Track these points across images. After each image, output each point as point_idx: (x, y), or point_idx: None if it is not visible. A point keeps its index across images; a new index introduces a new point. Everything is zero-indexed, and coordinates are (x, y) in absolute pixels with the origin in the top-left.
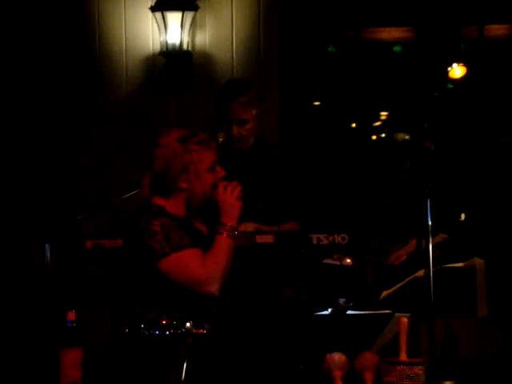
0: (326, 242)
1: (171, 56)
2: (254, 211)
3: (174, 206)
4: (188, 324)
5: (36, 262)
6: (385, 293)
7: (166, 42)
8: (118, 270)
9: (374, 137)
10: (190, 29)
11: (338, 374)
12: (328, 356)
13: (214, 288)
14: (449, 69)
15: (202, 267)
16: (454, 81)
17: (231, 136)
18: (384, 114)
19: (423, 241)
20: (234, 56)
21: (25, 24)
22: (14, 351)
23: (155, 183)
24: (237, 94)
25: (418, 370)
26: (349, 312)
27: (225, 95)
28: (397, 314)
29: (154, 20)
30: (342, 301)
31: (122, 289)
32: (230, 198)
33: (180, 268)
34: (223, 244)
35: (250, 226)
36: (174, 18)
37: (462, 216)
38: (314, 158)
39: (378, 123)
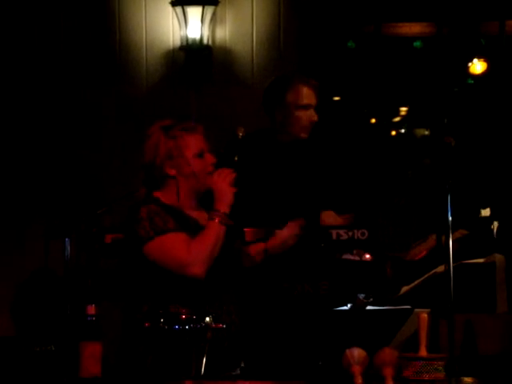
0: (345, 237)
1: (191, 51)
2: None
3: (168, 196)
4: (207, 318)
5: (56, 256)
6: (404, 288)
7: (186, 36)
8: (121, 261)
9: (394, 132)
10: (210, 23)
11: (357, 369)
12: (347, 351)
13: (197, 270)
14: (469, 64)
15: (186, 250)
16: (474, 76)
17: (291, 124)
18: (404, 109)
19: (443, 236)
20: (254, 51)
21: (45, 17)
22: (34, 345)
23: (147, 177)
24: (307, 78)
25: (438, 366)
26: (368, 307)
27: (290, 81)
28: (416, 310)
29: (175, 14)
30: (361, 296)
31: (127, 282)
32: (223, 184)
33: (164, 251)
34: (213, 229)
35: (329, 215)
36: (194, 12)
37: (483, 212)
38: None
39: (397, 119)
